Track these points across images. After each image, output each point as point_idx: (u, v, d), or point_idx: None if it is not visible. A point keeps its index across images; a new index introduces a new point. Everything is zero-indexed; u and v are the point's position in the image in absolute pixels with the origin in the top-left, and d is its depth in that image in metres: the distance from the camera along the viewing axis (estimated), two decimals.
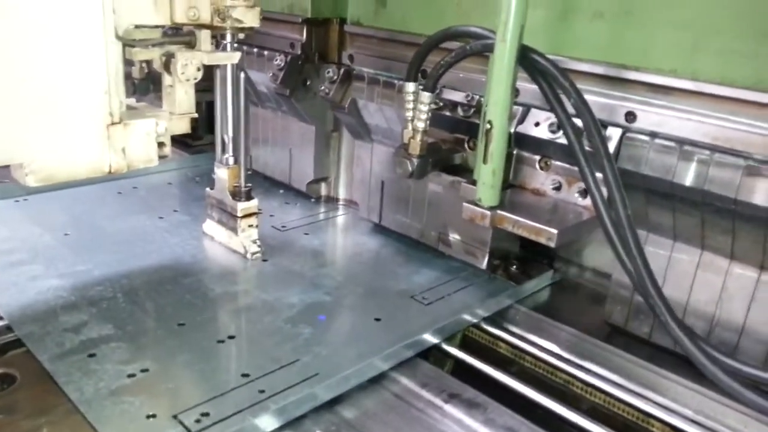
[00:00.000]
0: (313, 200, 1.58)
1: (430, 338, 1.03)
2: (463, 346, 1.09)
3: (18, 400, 0.84)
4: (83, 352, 0.92)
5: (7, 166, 0.91)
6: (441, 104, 1.21)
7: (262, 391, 0.86)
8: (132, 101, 1.07)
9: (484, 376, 1.00)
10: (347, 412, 0.87)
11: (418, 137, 1.14)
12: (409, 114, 1.14)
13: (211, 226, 1.32)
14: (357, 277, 1.22)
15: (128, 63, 1.04)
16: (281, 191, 1.62)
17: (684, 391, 0.96)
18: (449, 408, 0.89)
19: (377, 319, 1.07)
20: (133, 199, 1.51)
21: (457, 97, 1.20)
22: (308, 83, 1.48)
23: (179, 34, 1.12)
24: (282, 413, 0.83)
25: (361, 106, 1.37)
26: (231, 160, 1.24)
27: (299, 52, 1.45)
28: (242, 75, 1.22)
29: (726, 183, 0.89)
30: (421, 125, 1.13)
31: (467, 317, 1.10)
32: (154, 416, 0.80)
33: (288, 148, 1.59)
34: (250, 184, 1.25)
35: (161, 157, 1.06)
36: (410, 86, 1.13)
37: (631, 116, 0.99)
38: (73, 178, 0.95)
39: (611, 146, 0.99)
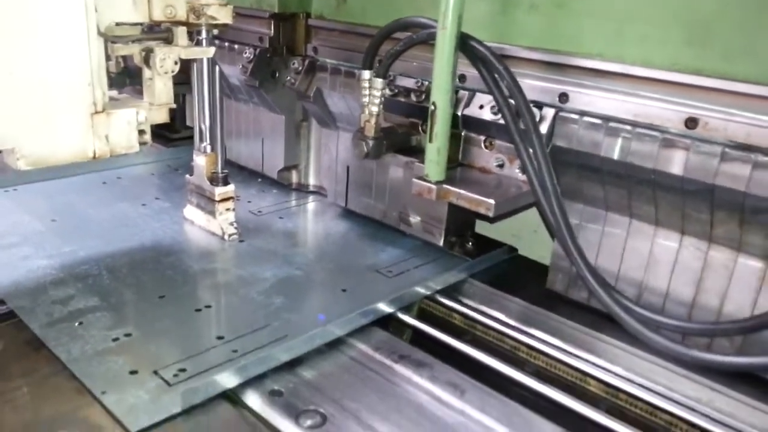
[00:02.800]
0: (289, 187, 1.67)
1: (386, 307, 1.12)
2: (420, 317, 1.18)
3: (3, 365, 0.92)
4: (71, 320, 1.00)
5: None
6: (396, 91, 1.30)
7: (234, 351, 0.95)
8: (114, 93, 1.16)
9: (439, 343, 1.10)
10: (307, 373, 0.96)
11: (373, 120, 1.23)
12: (365, 99, 1.24)
13: (191, 211, 1.41)
14: (326, 255, 1.32)
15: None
16: (258, 180, 1.71)
17: (617, 352, 1.06)
18: (399, 367, 0.98)
19: (343, 290, 1.16)
20: (117, 188, 1.60)
21: (410, 83, 1.30)
22: (277, 75, 1.57)
23: (157, 31, 1.20)
24: (251, 369, 0.92)
25: (326, 94, 1.47)
26: (208, 148, 1.33)
27: (267, 45, 1.54)
28: (217, 68, 1.31)
29: (645, 155, 0.99)
30: (375, 109, 1.23)
31: (422, 290, 1.20)
32: (136, 372, 0.89)
33: (260, 138, 1.68)
34: (226, 170, 1.34)
35: (142, 144, 1.14)
36: (366, 74, 1.22)
37: (564, 97, 1.10)
38: (60, 163, 1.04)
39: (546, 125, 1.09)
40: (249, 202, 1.56)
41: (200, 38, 1.26)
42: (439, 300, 1.21)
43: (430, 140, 1.11)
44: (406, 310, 1.16)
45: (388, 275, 1.23)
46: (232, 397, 0.88)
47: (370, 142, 1.24)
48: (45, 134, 1.01)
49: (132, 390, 0.85)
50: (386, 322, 1.12)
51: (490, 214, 1.10)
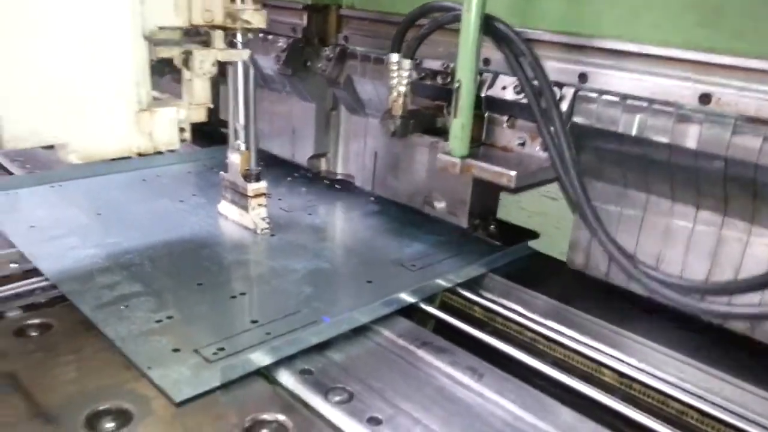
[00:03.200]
0: (318, 174, 1.74)
1: (408, 297, 1.18)
2: (443, 308, 1.23)
3: (55, 342, 1.00)
4: (117, 304, 1.08)
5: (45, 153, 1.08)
6: (423, 74, 1.37)
7: (268, 333, 1.02)
8: (156, 93, 1.23)
9: (460, 333, 1.15)
10: (335, 355, 1.02)
11: (400, 100, 1.30)
12: (393, 81, 1.30)
13: (225, 207, 1.48)
14: (353, 250, 1.38)
15: None
16: (288, 178, 1.78)
17: (631, 344, 1.11)
18: (421, 352, 1.04)
19: (369, 281, 1.23)
20: (156, 185, 1.68)
21: (436, 65, 1.37)
22: (309, 64, 1.64)
23: (196, 34, 1.28)
24: (283, 350, 0.98)
25: (356, 81, 1.55)
26: (242, 146, 1.40)
27: (300, 35, 1.62)
28: (251, 70, 1.38)
29: (661, 130, 1.05)
30: (402, 89, 1.29)
31: (443, 282, 1.25)
32: (178, 350, 0.96)
33: (291, 127, 1.76)
34: (259, 168, 1.42)
35: (182, 141, 1.22)
36: (394, 57, 1.29)
37: (583, 77, 1.16)
38: (107, 157, 1.13)
39: (566, 104, 1.15)
40: (279, 199, 1.63)
41: (236, 41, 1.33)
42: (460, 292, 1.26)
43: (455, 116, 1.17)
44: (429, 301, 1.22)
45: (412, 269, 1.29)
46: (266, 374, 0.95)
47: (398, 121, 1.30)
48: (94, 130, 1.09)
49: (175, 366, 0.92)
50: (410, 312, 1.18)
51: (512, 185, 1.16)
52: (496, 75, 1.28)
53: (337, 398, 0.90)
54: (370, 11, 1.53)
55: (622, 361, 1.09)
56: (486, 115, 1.31)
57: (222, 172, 1.47)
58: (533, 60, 1.12)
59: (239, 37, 1.33)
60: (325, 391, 0.91)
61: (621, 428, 0.95)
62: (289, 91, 1.72)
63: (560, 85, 1.17)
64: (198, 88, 1.26)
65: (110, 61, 1.08)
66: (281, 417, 0.86)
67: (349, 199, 1.67)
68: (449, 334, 1.13)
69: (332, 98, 1.70)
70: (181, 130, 1.21)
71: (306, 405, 0.89)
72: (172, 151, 1.67)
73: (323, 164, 1.74)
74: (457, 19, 1.13)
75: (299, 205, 1.61)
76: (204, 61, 1.25)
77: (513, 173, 1.16)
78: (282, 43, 1.62)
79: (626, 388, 1.07)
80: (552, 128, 1.12)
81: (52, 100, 1.03)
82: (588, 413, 0.94)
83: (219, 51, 1.28)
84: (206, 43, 1.28)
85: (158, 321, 1.04)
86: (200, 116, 1.27)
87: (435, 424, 0.87)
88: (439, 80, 1.35)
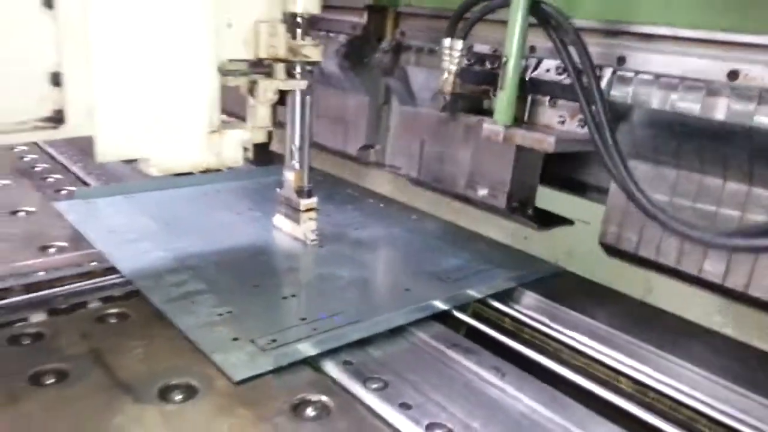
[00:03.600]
0: (366, 197, 1.88)
1: (441, 305, 1.30)
2: (474, 317, 1.34)
3: (132, 329, 1.15)
4: (185, 299, 1.23)
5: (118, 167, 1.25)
6: (472, 60, 1.51)
7: (314, 329, 1.15)
8: (224, 117, 1.40)
9: (488, 338, 1.26)
10: (374, 351, 1.15)
11: (451, 78, 1.44)
12: (445, 63, 1.44)
13: (279, 219, 1.63)
14: (395, 262, 1.51)
15: None
16: (336, 195, 1.93)
17: (646, 354, 1.21)
18: (450, 352, 1.15)
19: (407, 290, 1.35)
20: (217, 199, 1.85)
21: (485, 49, 1.52)
22: (366, 60, 1.80)
23: (261, 66, 1.44)
24: (327, 343, 1.12)
25: (409, 71, 1.70)
26: (297, 165, 1.56)
27: (359, 33, 1.78)
28: (308, 98, 1.54)
29: (692, 104, 1.17)
30: (453, 68, 1.43)
31: (474, 293, 1.37)
32: (237, 339, 1.10)
33: (344, 119, 1.91)
34: (311, 185, 1.57)
35: (245, 159, 1.38)
36: (447, 41, 1.44)
37: (621, 60, 1.28)
38: (182, 170, 1.29)
39: (604, 82, 1.29)
40: (328, 215, 1.77)
41: (295, 72, 1.49)
42: (490, 303, 1.37)
43: (501, 88, 1.30)
44: (461, 309, 1.33)
45: (447, 280, 1.41)
46: (312, 363, 1.08)
47: (448, 97, 1.44)
48: (172, 148, 1.25)
49: (234, 352, 1.06)
50: (445, 318, 1.30)
51: (550, 149, 1.28)
52: (540, 60, 1.42)
53: (374, 386, 1.02)
54: (426, 8, 1.68)
55: (638, 370, 1.18)
56: (529, 98, 1.45)
57: (278, 189, 1.62)
58: (576, 38, 1.24)
59: (298, 69, 1.49)
60: (363, 380, 1.04)
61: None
62: (345, 86, 1.88)
63: (600, 67, 1.30)
64: (261, 113, 1.42)
65: (189, 88, 1.25)
66: (324, 398, 0.98)
67: (392, 216, 1.81)
68: (478, 339, 1.24)
69: (384, 93, 1.85)
70: (245, 149, 1.37)
71: (346, 390, 1.02)
72: (230, 168, 1.85)
73: (372, 155, 1.88)
74: (507, 4, 1.27)
75: (346, 220, 1.75)
76: (267, 90, 1.41)
77: (552, 138, 1.30)
78: (342, 39, 1.79)
79: (641, 394, 1.16)
80: (593, 106, 1.24)
81: (139, 121, 1.20)
82: (605, 415, 1.03)
83: (281, 81, 1.44)
84: (269, 74, 1.44)
85: (219, 314, 1.18)
86: (261, 137, 1.43)
87: (460, 412, 0.99)
88: (488, 64, 1.49)
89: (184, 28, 1.21)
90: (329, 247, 1.56)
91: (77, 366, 1.02)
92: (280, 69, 1.44)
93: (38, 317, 1.17)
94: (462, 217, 1.77)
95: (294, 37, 1.44)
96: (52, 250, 1.43)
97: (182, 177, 1.86)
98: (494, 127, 1.34)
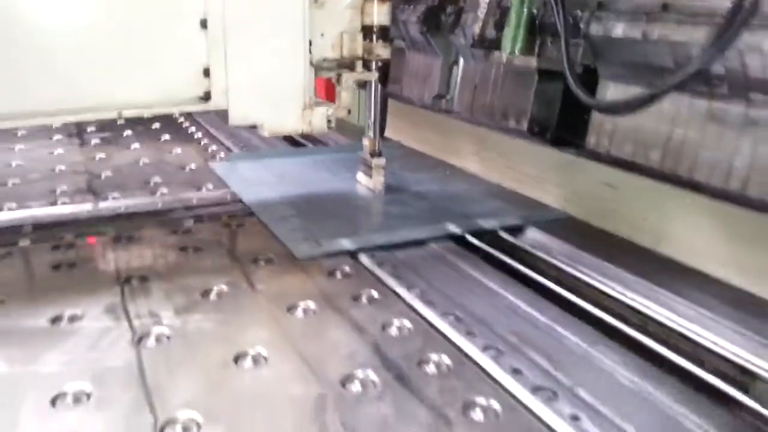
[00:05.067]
0: (425, 161, 2.42)
1: (454, 228, 1.81)
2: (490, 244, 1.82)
3: (245, 231, 1.79)
4: (281, 218, 1.85)
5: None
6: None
7: (358, 235, 1.72)
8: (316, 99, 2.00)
9: (493, 258, 1.73)
10: (400, 254, 1.68)
11: (479, 24, 2.00)
12: (479, 14, 1.99)
13: (360, 175, 2.22)
14: (437, 207, 2.02)
15: None
16: (413, 163, 2.48)
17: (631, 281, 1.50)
18: (456, 259, 1.65)
19: (436, 221, 1.87)
20: (322, 165, 2.47)
21: None
22: (439, 25, 2.35)
23: (344, 63, 2.03)
24: (364, 242, 1.68)
25: (466, 30, 2.17)
26: (371, 134, 2.13)
27: (435, 3, 2.34)
28: (380, 86, 2.10)
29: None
30: (481, 16, 2.01)
31: (485, 225, 1.86)
32: (307, 239, 1.69)
33: (424, 76, 2.47)
34: (381, 149, 2.13)
35: (329, 128, 1.98)
36: None
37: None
38: (285, 133, 1.92)
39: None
40: (393, 173, 2.31)
41: (371, 66, 2.05)
42: (501, 236, 1.84)
43: (507, 25, 1.84)
44: (478, 237, 1.81)
45: (471, 218, 1.90)
46: (353, 254, 1.64)
47: (476, 38, 2.02)
48: (279, 117, 1.88)
49: (303, 244, 1.66)
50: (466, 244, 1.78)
51: (533, 66, 1.84)
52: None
53: (388, 269, 1.56)
54: None
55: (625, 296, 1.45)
56: (538, 38, 1.89)
57: (359, 152, 2.21)
58: None
59: (373, 65, 2.05)
60: (380, 264, 1.58)
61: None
62: (426, 49, 2.45)
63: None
64: (344, 97, 2.01)
65: (293, 77, 1.86)
66: (348, 269, 1.55)
67: (451, 178, 2.32)
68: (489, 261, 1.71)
69: (455, 53, 2.37)
70: (328, 121, 1.96)
71: (367, 269, 1.57)
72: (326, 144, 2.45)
73: (443, 104, 2.42)
74: None
75: (413, 180, 2.29)
76: (348, 79, 2.00)
77: (534, 60, 1.83)
78: (421, 8, 2.37)
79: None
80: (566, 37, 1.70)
81: (257, 99, 1.83)
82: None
83: (359, 74, 2.02)
84: (351, 68, 2.02)
85: (301, 228, 1.78)
86: (343, 114, 2.02)
87: (459, 297, 1.44)
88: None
89: (289, 39, 1.83)
90: (391, 195, 2.11)
91: (208, 246, 1.67)
92: (358, 64, 2.02)
93: (188, 223, 1.86)
94: (507, 180, 2.24)
95: (370, 41, 2.01)
96: (204, 189, 2.14)
97: (298, 149, 2.50)
98: (500, 53, 1.85)
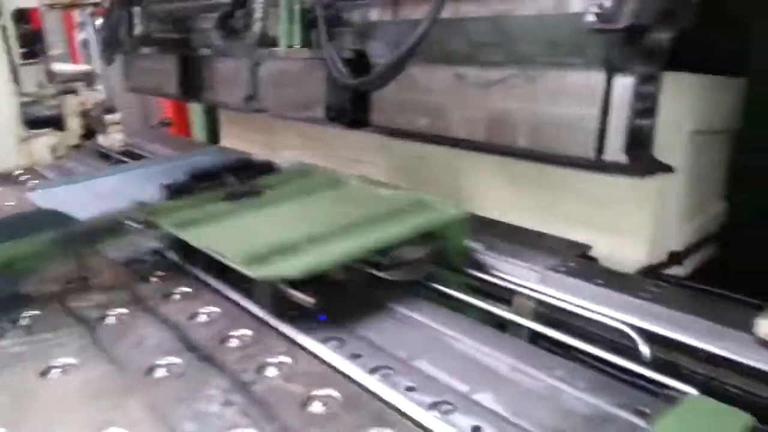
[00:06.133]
0: None
1: None
2: None
3: None
4: None
5: None
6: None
7: None
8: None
9: None
10: None
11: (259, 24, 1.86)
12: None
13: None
14: None
15: None
16: None
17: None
18: None
19: None
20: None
21: None
22: (234, 29, 2.09)
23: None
24: None
25: None
26: None
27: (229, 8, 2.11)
28: None
29: None
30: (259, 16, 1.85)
31: None
32: None
33: (231, 79, 2.32)
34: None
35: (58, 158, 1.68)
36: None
37: None
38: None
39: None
40: None
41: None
42: None
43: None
44: None
45: None
46: None
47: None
48: None
49: None
50: None
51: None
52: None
53: None
54: None
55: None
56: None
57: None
58: None
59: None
60: None
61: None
62: (229, 53, 2.31)
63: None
64: (72, 123, 1.73)
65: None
66: None
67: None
68: None
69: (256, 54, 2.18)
70: (53, 151, 1.67)
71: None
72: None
73: (254, 104, 2.22)
74: None
75: None
76: (73, 104, 1.73)
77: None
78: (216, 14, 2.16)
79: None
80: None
81: None
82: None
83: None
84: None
85: None
86: (74, 141, 1.73)
87: None
88: None
89: None
90: None
91: None
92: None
93: None
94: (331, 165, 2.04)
95: None
96: None
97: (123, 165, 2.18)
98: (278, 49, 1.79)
